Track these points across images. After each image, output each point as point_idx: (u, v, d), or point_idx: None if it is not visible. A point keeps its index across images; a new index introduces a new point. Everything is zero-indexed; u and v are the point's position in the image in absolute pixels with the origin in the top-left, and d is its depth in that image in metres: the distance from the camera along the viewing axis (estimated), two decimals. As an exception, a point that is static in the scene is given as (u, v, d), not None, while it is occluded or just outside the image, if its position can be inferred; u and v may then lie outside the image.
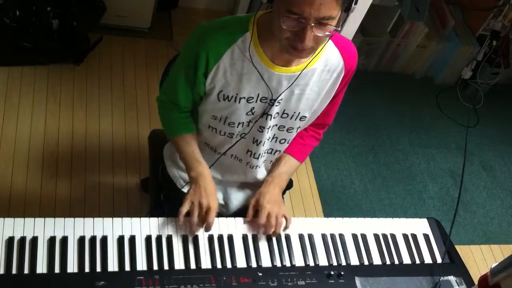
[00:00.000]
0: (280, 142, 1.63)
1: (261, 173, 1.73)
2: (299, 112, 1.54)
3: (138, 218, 1.47)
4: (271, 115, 1.51)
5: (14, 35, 2.62)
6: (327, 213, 2.71)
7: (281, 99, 1.48)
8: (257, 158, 1.65)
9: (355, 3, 1.25)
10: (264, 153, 1.65)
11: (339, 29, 1.27)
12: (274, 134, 1.60)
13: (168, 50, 3.09)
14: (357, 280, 1.50)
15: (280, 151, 1.67)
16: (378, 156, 3.09)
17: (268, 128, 1.55)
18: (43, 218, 1.40)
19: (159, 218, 1.49)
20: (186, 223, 1.48)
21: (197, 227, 1.49)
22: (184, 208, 1.48)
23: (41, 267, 1.33)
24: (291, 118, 1.55)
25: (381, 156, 3.10)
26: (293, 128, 1.59)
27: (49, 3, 2.64)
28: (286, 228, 1.58)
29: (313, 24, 1.22)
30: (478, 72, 3.49)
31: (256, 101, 1.48)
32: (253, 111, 1.51)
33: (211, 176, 1.59)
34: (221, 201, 1.76)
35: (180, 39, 3.19)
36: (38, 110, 2.64)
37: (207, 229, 1.50)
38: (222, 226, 1.52)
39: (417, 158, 3.17)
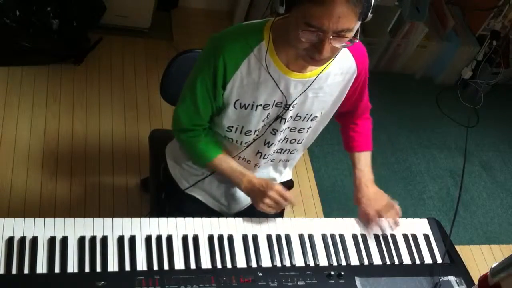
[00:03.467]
0: (290, 142, 1.65)
1: (264, 172, 1.74)
2: (312, 114, 1.55)
3: (138, 218, 1.47)
4: (285, 119, 1.53)
5: (14, 35, 2.62)
6: (327, 213, 2.71)
7: (296, 103, 1.49)
8: (265, 159, 1.66)
9: (372, 12, 1.25)
10: (274, 153, 1.67)
11: (357, 40, 1.28)
12: (286, 136, 1.62)
13: (168, 50, 3.09)
14: (357, 280, 1.50)
15: (289, 150, 1.68)
16: (378, 156, 3.09)
17: (281, 131, 1.57)
18: (43, 218, 1.40)
19: (159, 218, 1.49)
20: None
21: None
22: (272, 210, 1.54)
23: (41, 267, 1.33)
24: (303, 120, 1.56)
25: (380, 156, 3.10)
26: (304, 129, 1.60)
27: (49, 3, 2.64)
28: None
29: (331, 37, 1.23)
30: (478, 72, 3.48)
31: (272, 107, 1.49)
32: (268, 116, 1.52)
33: (256, 176, 1.61)
34: (224, 202, 1.76)
35: (180, 39, 3.19)
36: (38, 110, 2.64)
37: (294, 203, 1.58)
38: (222, 226, 1.52)
39: (417, 158, 3.17)
